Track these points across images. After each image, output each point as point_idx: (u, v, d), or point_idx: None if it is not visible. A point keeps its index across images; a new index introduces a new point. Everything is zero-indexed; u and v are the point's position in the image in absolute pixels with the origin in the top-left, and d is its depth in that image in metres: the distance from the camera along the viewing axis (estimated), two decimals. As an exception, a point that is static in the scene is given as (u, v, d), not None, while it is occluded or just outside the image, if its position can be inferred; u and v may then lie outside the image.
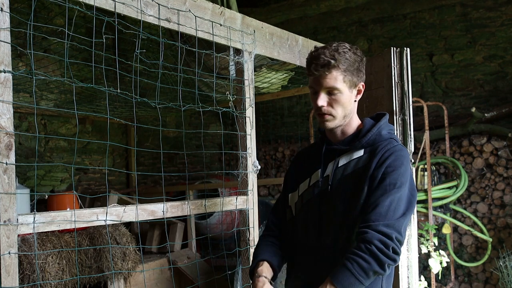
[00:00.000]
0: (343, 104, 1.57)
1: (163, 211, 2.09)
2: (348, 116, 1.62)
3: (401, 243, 1.48)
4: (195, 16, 2.20)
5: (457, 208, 4.85)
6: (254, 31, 2.55)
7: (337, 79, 1.53)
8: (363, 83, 1.63)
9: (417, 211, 3.86)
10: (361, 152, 1.62)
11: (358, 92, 1.63)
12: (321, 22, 5.98)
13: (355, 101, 1.63)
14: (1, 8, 1.52)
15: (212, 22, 2.30)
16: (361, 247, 1.44)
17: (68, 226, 1.75)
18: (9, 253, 1.52)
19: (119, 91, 1.94)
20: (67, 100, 4.93)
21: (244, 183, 2.50)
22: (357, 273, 1.42)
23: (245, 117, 2.49)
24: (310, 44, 2.85)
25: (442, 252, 4.29)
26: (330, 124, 1.60)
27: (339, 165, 1.63)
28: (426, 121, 4.56)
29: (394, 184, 1.51)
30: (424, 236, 4.41)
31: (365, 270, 1.42)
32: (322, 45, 1.67)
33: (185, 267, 4.14)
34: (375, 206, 1.49)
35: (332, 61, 1.51)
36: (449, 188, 4.71)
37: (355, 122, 1.67)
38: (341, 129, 1.65)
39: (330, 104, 1.57)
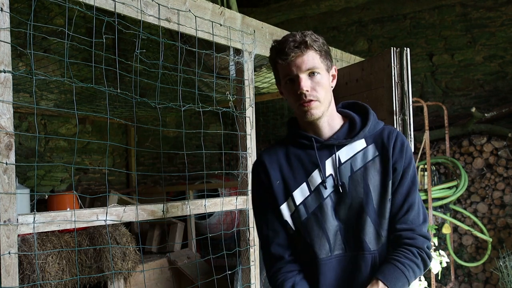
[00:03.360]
0: (326, 87, 1.43)
1: (163, 211, 2.09)
2: (330, 103, 1.47)
3: None
4: (195, 16, 2.20)
5: (457, 208, 4.85)
6: (254, 31, 2.55)
7: (315, 59, 1.40)
8: (335, 67, 1.51)
9: (417, 211, 3.85)
10: (362, 143, 1.49)
11: (333, 77, 1.50)
12: (321, 22, 5.98)
13: (332, 87, 1.49)
14: (1, 8, 1.52)
15: (212, 22, 2.30)
16: (414, 252, 1.40)
17: (68, 226, 1.75)
18: (9, 253, 1.52)
19: (119, 91, 1.94)
20: (67, 100, 4.93)
21: (244, 183, 2.50)
22: (410, 277, 1.39)
23: (245, 117, 2.49)
24: (310, 44, 2.85)
25: (442, 252, 4.29)
26: (317, 112, 1.43)
27: (342, 161, 1.47)
28: (426, 121, 4.56)
29: (415, 179, 1.47)
30: (424, 236, 4.40)
31: (416, 275, 1.40)
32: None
33: (185, 267, 4.13)
34: (411, 206, 1.43)
35: (308, 40, 1.39)
36: (449, 188, 4.71)
37: (336, 112, 1.53)
38: (327, 120, 1.48)
39: (313, 88, 1.41)
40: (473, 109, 4.77)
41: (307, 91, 1.40)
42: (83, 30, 4.64)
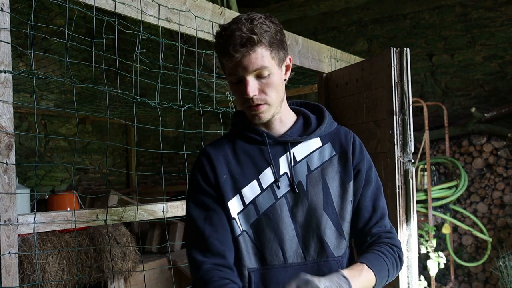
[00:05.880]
0: (276, 87, 1.26)
1: (163, 211, 2.09)
2: (282, 100, 1.32)
3: None
4: (195, 16, 2.20)
5: (457, 208, 4.85)
6: (254, 31, 2.55)
7: (264, 57, 1.22)
8: (290, 56, 1.33)
9: (417, 211, 3.86)
10: (318, 142, 1.38)
11: (287, 68, 1.33)
12: (321, 22, 5.98)
13: (285, 80, 1.33)
14: (1, 8, 1.52)
15: (212, 22, 2.30)
16: (393, 250, 1.32)
17: (68, 226, 1.75)
18: (9, 253, 1.52)
19: (119, 91, 1.94)
20: (67, 100, 4.93)
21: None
22: (390, 271, 1.29)
23: (245, 117, 2.49)
24: (310, 44, 2.85)
25: (440, 253, 4.29)
26: (266, 116, 1.29)
27: (297, 160, 1.35)
28: (426, 121, 4.56)
29: (379, 181, 1.43)
30: (424, 236, 4.41)
31: (395, 271, 1.31)
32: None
33: (185, 267, 4.13)
34: (384, 211, 1.38)
35: (254, 36, 1.20)
36: (449, 188, 4.72)
37: (288, 108, 1.40)
38: (279, 118, 1.35)
39: (262, 90, 1.25)
40: (473, 109, 4.77)
41: (255, 95, 1.25)
42: (83, 30, 4.64)
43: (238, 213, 1.31)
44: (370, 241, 1.34)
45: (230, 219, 1.30)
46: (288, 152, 1.34)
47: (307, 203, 1.31)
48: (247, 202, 1.31)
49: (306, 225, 1.31)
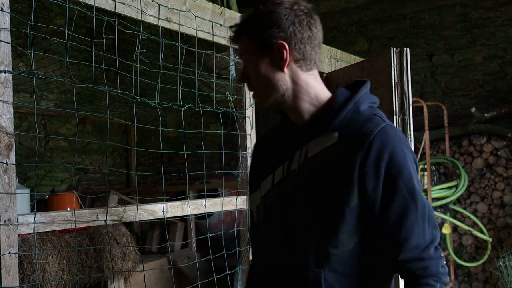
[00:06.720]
0: (258, 73, 1.18)
1: (163, 211, 2.09)
2: (279, 90, 1.18)
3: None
4: (195, 16, 2.20)
5: (457, 208, 4.85)
6: (254, 31, 2.55)
7: (246, 43, 1.19)
8: (282, 42, 1.15)
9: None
10: (334, 137, 1.15)
11: (279, 56, 1.16)
12: (321, 22, 5.98)
13: (280, 68, 1.16)
14: (1, 8, 1.52)
15: (212, 22, 2.30)
16: (430, 284, 1.10)
17: (68, 226, 1.75)
18: (10, 253, 1.52)
19: (119, 91, 1.94)
20: (67, 100, 4.93)
21: (244, 183, 2.50)
22: None
23: (245, 117, 2.49)
24: (310, 44, 2.85)
25: (441, 252, 4.29)
26: (258, 102, 1.23)
27: (308, 157, 1.18)
28: (426, 121, 4.56)
29: (411, 191, 1.09)
30: (424, 236, 4.41)
31: None
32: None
33: (185, 267, 4.14)
34: (410, 230, 1.09)
35: (239, 26, 1.21)
36: (449, 188, 4.72)
37: (321, 95, 1.21)
38: (289, 107, 1.22)
39: (245, 76, 1.22)
40: (473, 109, 4.77)
41: (240, 80, 1.23)
42: (83, 30, 4.64)
43: (257, 207, 1.30)
44: (401, 276, 1.16)
45: (251, 209, 1.34)
46: (304, 147, 1.20)
47: (300, 206, 1.19)
48: (261, 196, 1.28)
49: (294, 230, 1.20)
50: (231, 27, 1.23)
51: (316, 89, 1.21)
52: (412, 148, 2.43)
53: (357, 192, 1.09)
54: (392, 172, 1.08)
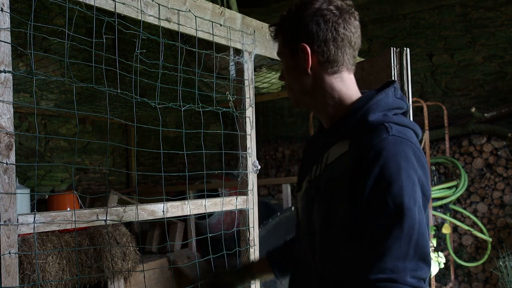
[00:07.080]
0: (290, 73, 1.21)
1: (163, 211, 2.09)
2: (308, 91, 1.18)
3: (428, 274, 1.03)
4: (195, 16, 2.20)
5: (457, 208, 4.85)
6: (254, 31, 2.55)
7: (281, 44, 1.22)
8: (305, 45, 1.14)
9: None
10: (346, 146, 1.12)
11: (304, 58, 1.15)
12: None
13: (306, 70, 1.15)
14: (1, 8, 1.52)
15: (212, 22, 2.30)
16: None
17: (68, 226, 1.75)
18: (9, 253, 1.52)
19: (119, 91, 1.94)
20: (67, 100, 4.94)
21: (244, 183, 2.50)
22: None
23: (245, 117, 2.49)
24: (310, 44, 2.85)
25: (440, 253, 4.29)
26: (292, 101, 1.25)
27: (328, 163, 1.17)
28: (426, 121, 4.56)
29: (401, 205, 0.99)
30: (424, 236, 4.41)
31: None
32: None
33: (185, 267, 4.14)
34: (391, 245, 0.98)
35: (277, 26, 1.22)
36: (449, 188, 4.72)
37: (345, 100, 1.17)
38: (317, 111, 1.22)
39: (282, 76, 1.26)
40: (473, 109, 4.77)
41: (279, 79, 1.26)
42: (83, 30, 4.64)
43: (299, 206, 1.33)
44: None
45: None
46: (326, 153, 1.19)
47: (316, 211, 1.17)
48: (302, 195, 1.30)
49: (316, 231, 1.19)
50: (270, 26, 1.25)
51: (341, 93, 1.17)
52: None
53: (349, 205, 1.05)
54: (381, 186, 1.00)
